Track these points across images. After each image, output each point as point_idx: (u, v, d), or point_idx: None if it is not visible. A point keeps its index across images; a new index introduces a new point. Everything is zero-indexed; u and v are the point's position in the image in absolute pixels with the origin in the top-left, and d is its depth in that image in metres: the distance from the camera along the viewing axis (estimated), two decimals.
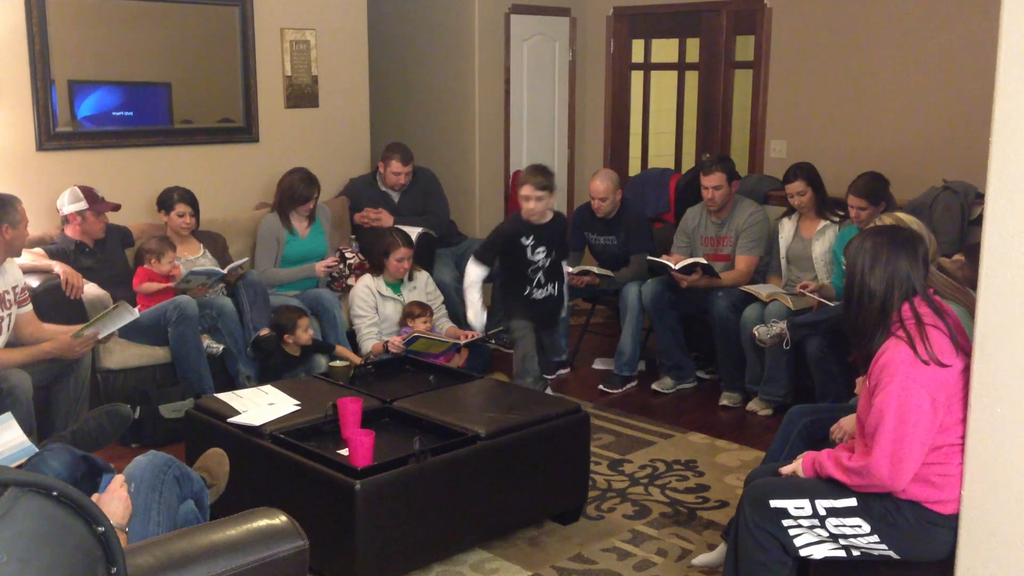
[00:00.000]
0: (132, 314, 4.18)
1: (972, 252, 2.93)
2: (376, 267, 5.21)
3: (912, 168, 5.64)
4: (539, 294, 4.70)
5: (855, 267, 2.68)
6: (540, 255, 4.63)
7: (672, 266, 5.18)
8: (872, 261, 2.64)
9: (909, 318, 2.59)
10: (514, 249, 4.64)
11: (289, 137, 6.00)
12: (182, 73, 5.60)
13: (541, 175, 4.58)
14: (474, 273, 4.65)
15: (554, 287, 4.73)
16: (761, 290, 5.07)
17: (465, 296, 4.70)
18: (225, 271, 4.91)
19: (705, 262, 5.18)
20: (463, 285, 4.73)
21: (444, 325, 5.20)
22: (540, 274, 4.67)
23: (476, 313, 4.67)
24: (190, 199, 5.10)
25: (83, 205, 4.79)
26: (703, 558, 3.42)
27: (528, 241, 4.61)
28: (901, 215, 3.12)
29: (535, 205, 4.55)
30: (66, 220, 4.82)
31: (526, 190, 4.55)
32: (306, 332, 4.90)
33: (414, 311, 5.02)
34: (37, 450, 3.01)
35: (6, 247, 3.97)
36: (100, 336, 4.15)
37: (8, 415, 3.11)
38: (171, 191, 5.12)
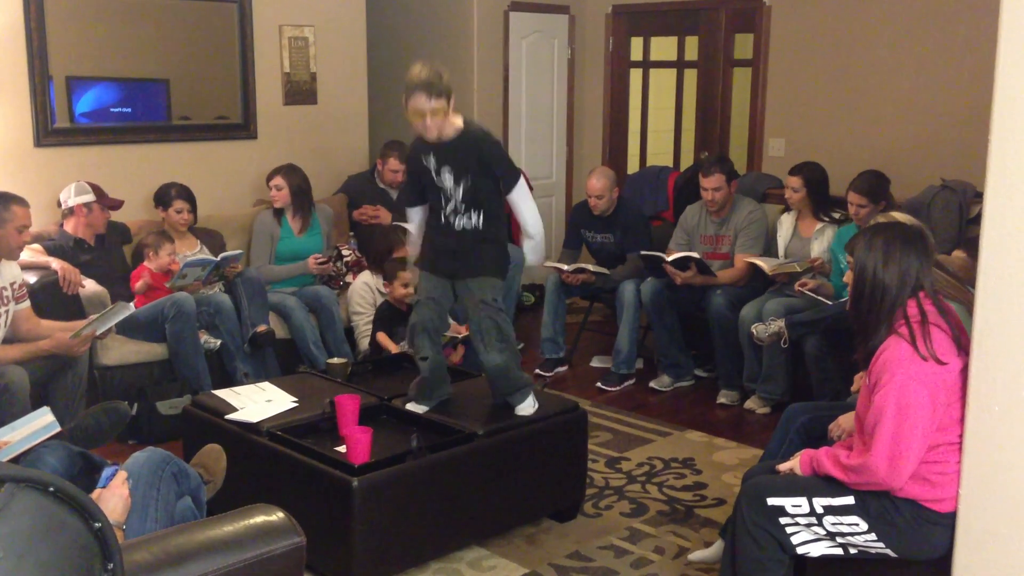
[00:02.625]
0: (128, 308, 4.18)
1: (972, 247, 2.93)
2: (377, 264, 5.20)
3: (910, 166, 5.64)
4: (459, 222, 3.57)
5: (866, 264, 2.66)
6: (447, 180, 3.53)
7: (665, 258, 5.19)
8: (885, 257, 2.64)
9: (915, 315, 2.59)
10: (422, 175, 3.60)
11: (287, 134, 5.99)
12: (180, 69, 5.60)
13: (428, 81, 3.37)
14: (412, 217, 3.81)
15: (476, 217, 3.58)
16: (766, 263, 5.08)
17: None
18: (218, 259, 4.90)
19: (698, 256, 5.19)
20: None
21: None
22: (455, 203, 3.56)
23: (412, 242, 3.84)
24: (187, 195, 5.10)
25: (91, 197, 4.79)
26: (699, 554, 3.42)
27: (429, 163, 3.55)
28: (896, 214, 3.12)
29: (428, 122, 3.43)
30: (70, 212, 4.80)
31: (413, 102, 3.40)
32: (405, 288, 4.78)
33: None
34: (60, 428, 3.04)
35: None
36: (97, 333, 4.15)
37: (45, 409, 3.14)
38: (168, 187, 5.12)
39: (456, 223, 3.56)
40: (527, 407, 3.65)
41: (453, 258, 3.59)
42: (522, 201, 3.65)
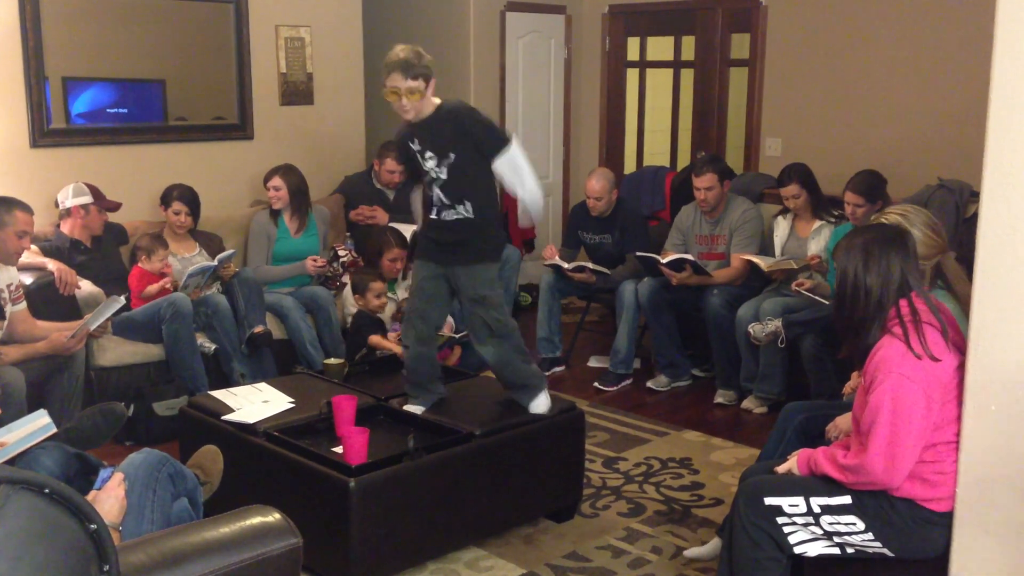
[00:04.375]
0: (118, 302, 4.18)
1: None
2: (370, 266, 5.20)
3: (907, 166, 5.64)
4: (448, 216, 3.55)
5: (847, 265, 2.68)
6: (430, 162, 3.52)
7: (660, 260, 5.19)
8: (865, 259, 2.65)
9: (907, 315, 2.60)
10: (411, 161, 3.64)
11: (284, 134, 5.99)
12: (176, 70, 5.59)
13: (406, 61, 3.44)
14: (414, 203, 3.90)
15: (465, 208, 3.54)
16: (762, 261, 5.08)
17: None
18: (216, 262, 4.90)
19: (692, 258, 5.19)
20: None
21: None
22: (438, 190, 3.54)
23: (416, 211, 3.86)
24: (188, 199, 5.09)
25: (88, 199, 4.79)
26: (694, 551, 3.43)
27: (415, 146, 3.56)
28: (911, 208, 3.11)
29: (405, 102, 3.46)
30: (67, 213, 4.80)
31: (390, 81, 3.48)
32: (378, 299, 4.88)
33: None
34: (56, 430, 3.03)
35: None
36: (90, 328, 4.14)
37: (42, 411, 3.12)
38: (172, 188, 5.13)
39: (446, 216, 3.54)
40: (540, 405, 3.66)
41: (446, 248, 3.58)
42: (512, 170, 3.54)
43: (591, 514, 3.85)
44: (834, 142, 6.14)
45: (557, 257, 5.68)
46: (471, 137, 3.49)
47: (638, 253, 5.40)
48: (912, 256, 2.67)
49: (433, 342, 3.76)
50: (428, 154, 3.50)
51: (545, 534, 3.68)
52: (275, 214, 5.39)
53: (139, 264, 4.84)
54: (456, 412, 3.65)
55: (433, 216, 3.58)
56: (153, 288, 4.74)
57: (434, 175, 3.52)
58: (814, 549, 2.70)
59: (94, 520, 1.51)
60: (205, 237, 5.24)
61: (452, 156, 3.48)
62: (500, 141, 3.51)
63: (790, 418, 3.29)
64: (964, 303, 2.72)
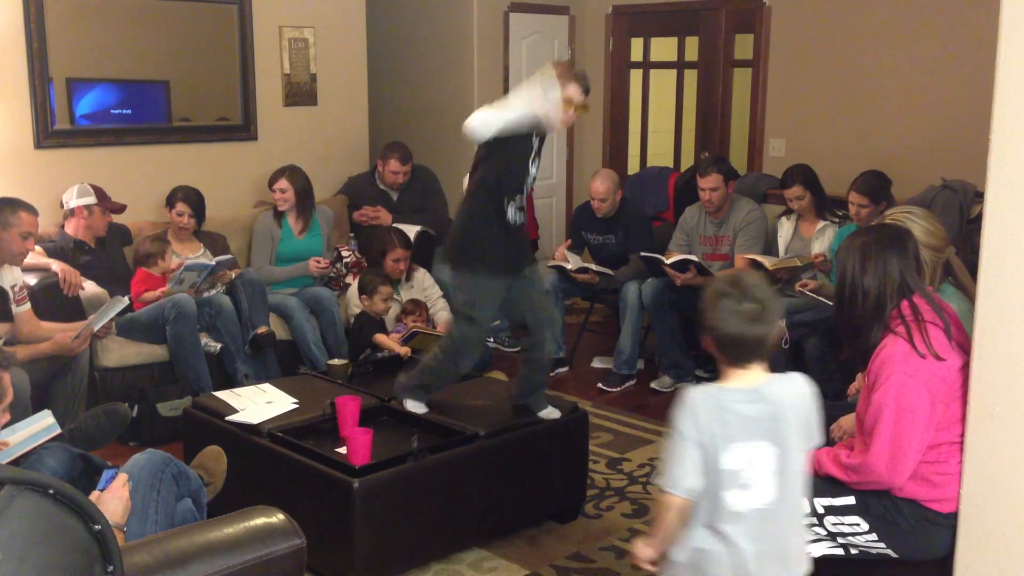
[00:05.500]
0: (122, 302, 4.19)
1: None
2: (374, 266, 5.20)
3: (911, 166, 5.63)
4: (516, 217, 3.60)
5: (846, 267, 2.69)
6: (534, 169, 3.61)
7: (664, 260, 5.19)
8: (862, 260, 2.65)
9: (909, 315, 2.59)
10: (515, 144, 3.52)
11: (288, 135, 5.99)
12: (180, 71, 5.60)
13: (586, 78, 3.67)
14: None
15: (523, 214, 3.66)
16: (766, 260, 5.08)
17: (508, 110, 3.45)
18: (214, 262, 4.90)
19: (696, 259, 5.18)
20: (486, 119, 3.44)
21: (443, 318, 5.18)
22: (520, 196, 3.60)
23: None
24: (191, 200, 5.09)
25: (92, 199, 4.79)
26: None
27: (534, 142, 3.58)
28: (913, 207, 3.10)
29: (573, 114, 3.57)
30: (71, 214, 4.81)
31: (573, 91, 3.52)
32: (385, 302, 4.88)
33: (407, 308, 5.02)
34: (60, 430, 3.03)
35: None
36: (94, 329, 4.15)
37: (46, 412, 3.12)
38: (176, 190, 5.13)
39: (514, 219, 3.58)
40: (554, 411, 3.70)
41: (520, 252, 3.67)
42: None
43: (595, 515, 3.85)
44: (838, 143, 6.13)
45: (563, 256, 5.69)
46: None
47: (642, 254, 5.40)
48: (912, 257, 2.67)
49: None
50: (536, 161, 3.60)
51: (549, 535, 3.68)
52: (279, 215, 5.40)
53: (143, 267, 4.83)
54: (460, 413, 3.65)
55: (503, 219, 3.55)
56: (151, 295, 4.74)
57: (527, 182, 3.61)
58: (818, 550, 2.69)
59: (98, 521, 1.51)
60: (209, 238, 5.25)
61: (536, 174, 3.65)
62: None
63: None
64: (972, 297, 2.71)
